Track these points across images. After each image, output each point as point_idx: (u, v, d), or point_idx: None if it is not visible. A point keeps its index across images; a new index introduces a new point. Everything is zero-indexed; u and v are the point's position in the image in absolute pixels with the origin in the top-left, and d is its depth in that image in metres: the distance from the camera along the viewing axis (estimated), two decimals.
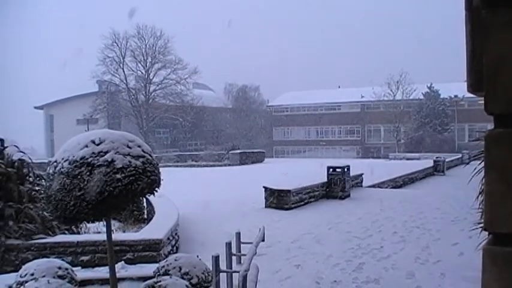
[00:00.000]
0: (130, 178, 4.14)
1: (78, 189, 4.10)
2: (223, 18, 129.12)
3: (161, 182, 4.54)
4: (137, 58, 62.36)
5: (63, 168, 4.24)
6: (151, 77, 62.40)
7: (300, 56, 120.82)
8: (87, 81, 62.23)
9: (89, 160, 4.16)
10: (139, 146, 4.44)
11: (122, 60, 61.60)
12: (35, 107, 74.52)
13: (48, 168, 4.49)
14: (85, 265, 7.97)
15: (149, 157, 4.44)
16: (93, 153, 4.21)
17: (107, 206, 4.16)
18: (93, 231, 10.57)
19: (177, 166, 37.39)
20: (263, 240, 5.82)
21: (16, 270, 7.20)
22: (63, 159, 4.29)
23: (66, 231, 9.35)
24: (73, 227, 9.40)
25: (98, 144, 4.27)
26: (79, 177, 4.12)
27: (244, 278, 4.04)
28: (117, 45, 61.29)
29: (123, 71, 61.58)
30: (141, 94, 62.11)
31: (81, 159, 4.19)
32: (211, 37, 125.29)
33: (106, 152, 4.20)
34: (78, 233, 9.82)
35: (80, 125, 61.47)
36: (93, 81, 63.08)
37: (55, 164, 4.36)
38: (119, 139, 4.36)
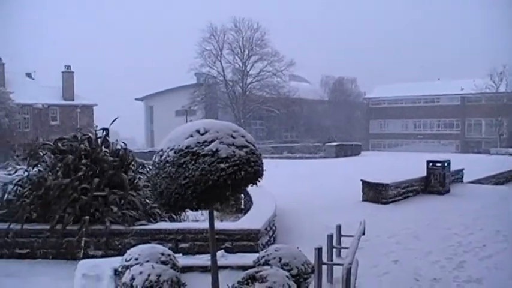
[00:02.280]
0: (234, 168, 4.18)
1: (183, 178, 4.18)
2: (319, 10, 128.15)
3: (264, 172, 4.57)
4: (234, 51, 63.16)
5: (168, 157, 4.34)
6: (248, 69, 63.03)
7: (398, 47, 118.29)
8: (186, 73, 63.75)
9: (194, 149, 4.24)
10: (243, 136, 4.48)
11: (219, 53, 62.64)
12: (136, 99, 77.17)
13: (154, 157, 4.62)
14: (185, 252, 8.15)
15: (253, 147, 4.47)
16: (198, 142, 4.28)
17: (210, 195, 4.22)
18: (191, 220, 10.80)
19: (272, 158, 37.54)
20: (363, 234, 5.72)
21: (119, 254, 7.48)
22: (168, 148, 4.39)
23: (167, 219, 9.59)
24: (173, 214, 9.62)
25: (202, 134, 4.34)
26: (184, 166, 4.21)
27: (348, 271, 3.99)
28: (215, 38, 62.39)
29: (221, 64, 62.62)
30: (238, 86, 62.89)
31: (186, 148, 4.27)
32: (308, 29, 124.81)
33: (211, 142, 4.27)
34: (178, 220, 10.04)
35: (178, 116, 63.09)
36: (192, 74, 64.49)
37: (161, 153, 4.47)
38: (223, 129, 4.42)
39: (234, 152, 4.24)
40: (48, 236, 8.99)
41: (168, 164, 4.30)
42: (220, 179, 4.12)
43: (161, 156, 4.43)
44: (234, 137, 4.37)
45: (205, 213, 10.59)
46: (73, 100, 58.60)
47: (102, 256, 8.28)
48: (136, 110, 77.92)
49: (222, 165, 4.14)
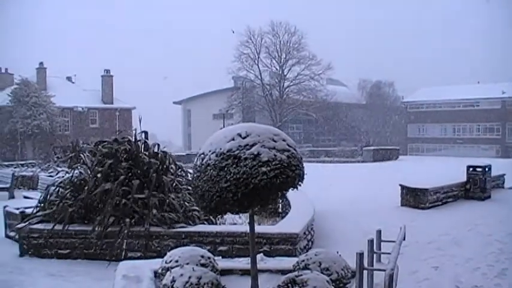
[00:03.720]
0: (276, 172, 4.18)
1: (224, 181, 4.20)
2: (356, 15, 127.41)
3: (304, 176, 4.56)
4: (272, 54, 63.27)
5: (210, 160, 4.36)
6: (285, 73, 63.06)
7: (436, 50, 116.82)
8: (224, 77, 64.11)
9: (236, 153, 4.26)
10: (284, 140, 4.48)
11: (256, 57, 62.81)
12: (174, 102, 77.85)
13: (195, 160, 4.65)
14: (223, 255, 8.17)
15: (294, 151, 4.47)
16: (239, 146, 4.30)
17: (251, 199, 4.23)
18: (229, 223, 10.84)
19: (309, 162, 37.39)
20: (403, 239, 5.66)
21: (158, 256, 7.54)
22: (210, 151, 4.42)
23: (205, 221, 9.64)
24: (213, 217, 9.67)
25: (244, 138, 4.36)
26: (225, 169, 4.23)
27: (391, 277, 3.95)
28: (252, 42, 62.62)
29: (258, 67, 62.76)
30: (275, 90, 62.95)
31: (227, 151, 4.29)
32: (345, 33, 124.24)
33: (252, 145, 4.28)
34: (216, 223, 10.08)
35: (215, 119, 63.45)
36: (229, 77, 64.83)
37: (202, 156, 4.50)
38: (265, 133, 4.42)
39: (275, 155, 4.25)
40: (88, 237, 9.14)
41: (209, 167, 4.33)
42: (261, 182, 4.13)
43: (203, 159, 4.46)
44: (275, 141, 4.38)
45: (243, 216, 10.64)
46: (112, 103, 59.41)
47: (141, 258, 8.35)
48: (174, 114, 78.67)
49: (264, 169, 4.15)
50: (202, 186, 4.37)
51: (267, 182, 4.16)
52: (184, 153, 44.95)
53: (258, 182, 4.13)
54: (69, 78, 63.69)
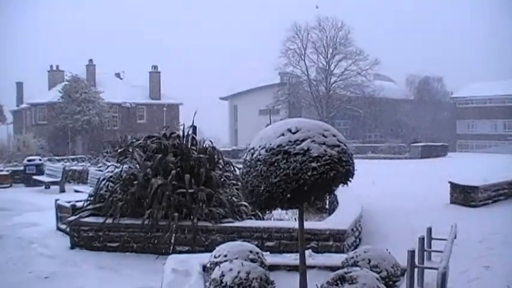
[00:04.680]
0: (326, 167, 4.14)
1: (274, 176, 4.19)
2: (402, 8, 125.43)
3: (355, 172, 4.51)
4: (318, 50, 62.81)
5: (260, 155, 4.35)
6: (332, 69, 62.51)
7: (487, 43, 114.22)
8: (270, 73, 64.08)
9: (286, 148, 4.23)
10: (334, 136, 4.44)
11: (303, 52, 62.46)
12: (220, 98, 78.21)
13: (245, 155, 4.64)
14: (270, 250, 8.17)
15: (344, 147, 4.42)
16: (289, 141, 4.27)
17: (301, 194, 4.21)
18: (276, 218, 10.83)
19: (356, 158, 36.52)
20: (455, 238, 5.55)
21: (206, 250, 7.60)
22: (260, 146, 4.41)
23: (252, 217, 9.66)
24: (262, 212, 9.68)
25: (294, 133, 4.33)
26: (275, 164, 4.21)
27: (443, 275, 3.87)
28: (299, 37, 62.28)
29: (305, 63, 62.42)
30: (321, 85, 62.54)
31: (277, 147, 4.27)
32: (392, 28, 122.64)
33: (302, 141, 4.25)
34: (263, 218, 10.09)
35: (262, 115, 63.48)
36: (276, 73, 64.72)
37: (252, 151, 4.49)
38: (315, 128, 4.39)
39: (325, 151, 4.21)
40: (137, 231, 9.27)
41: (259, 163, 4.32)
42: (311, 178, 4.10)
43: (252, 154, 4.45)
44: (325, 136, 4.34)
45: (290, 212, 10.63)
46: (159, 99, 60.12)
47: (188, 252, 8.43)
48: (220, 109, 79.05)
49: (314, 164, 4.12)
50: (252, 181, 4.36)
51: (317, 177, 4.12)
52: (230, 149, 45.15)
53: (308, 178, 4.10)
54: (117, 75, 64.73)
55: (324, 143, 4.28)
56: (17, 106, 62.48)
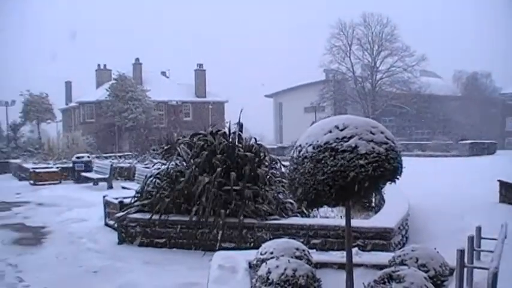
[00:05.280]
0: (374, 164, 4.10)
1: (321, 174, 4.16)
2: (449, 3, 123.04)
3: (403, 170, 4.45)
4: (363, 46, 62.39)
5: (307, 152, 4.33)
6: (377, 65, 62.00)
7: None
8: (315, 70, 63.87)
9: (333, 145, 4.21)
10: (382, 133, 4.39)
11: (348, 49, 62.15)
12: (266, 96, 78.35)
13: (292, 152, 4.63)
14: (316, 248, 8.14)
15: (392, 144, 4.36)
16: (336, 138, 4.24)
17: (348, 192, 4.18)
18: (321, 216, 10.78)
19: (402, 155, 36.03)
20: (505, 237, 5.42)
21: (251, 247, 7.63)
22: (307, 144, 4.39)
23: (298, 214, 9.64)
24: (309, 210, 9.66)
25: (341, 130, 4.30)
26: (322, 161, 4.18)
27: (495, 275, 3.80)
28: (344, 34, 62.04)
29: (350, 60, 62.09)
30: (367, 82, 62.09)
31: (324, 144, 4.25)
32: (439, 24, 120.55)
33: (350, 138, 4.21)
34: (309, 216, 10.06)
35: (307, 112, 63.32)
36: (321, 70, 64.47)
37: (299, 148, 4.48)
38: (362, 125, 4.35)
39: (373, 148, 4.17)
40: (184, 227, 9.37)
41: (306, 160, 4.30)
42: (359, 175, 4.06)
43: (299, 151, 4.44)
44: (373, 133, 4.29)
45: (336, 209, 10.56)
46: (205, 97, 60.53)
47: (234, 248, 8.46)
48: (265, 107, 79.17)
49: (361, 162, 4.08)
50: (299, 178, 4.35)
51: (365, 175, 4.08)
52: (275, 146, 45.20)
53: (355, 175, 4.07)
54: (163, 73, 65.50)
55: (372, 140, 4.24)
56: (66, 104, 63.84)
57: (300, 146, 4.50)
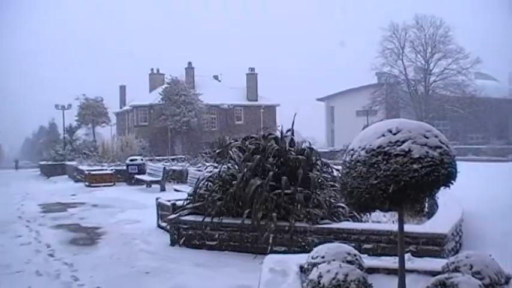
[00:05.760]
0: (427, 169, 4.05)
1: (374, 178, 4.13)
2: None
3: (457, 175, 4.38)
4: (416, 49, 61.48)
5: (359, 156, 4.31)
6: (431, 68, 60.97)
7: None
8: (367, 73, 63.42)
9: (386, 149, 4.17)
10: (436, 136, 4.33)
11: (401, 51, 61.34)
12: (317, 99, 78.14)
13: (344, 156, 4.61)
14: (367, 253, 8.07)
15: (446, 148, 4.30)
16: (389, 142, 4.21)
17: (401, 197, 4.13)
18: (372, 221, 10.67)
19: (456, 160, 35.18)
20: None
21: (302, 251, 7.60)
22: (360, 147, 4.37)
23: (350, 218, 9.57)
24: (361, 214, 9.57)
25: (394, 134, 4.26)
26: (375, 165, 4.16)
27: None
28: (396, 36, 61.28)
29: (402, 62, 61.26)
30: (420, 85, 61.14)
31: (377, 148, 4.22)
32: (495, 23, 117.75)
33: (403, 142, 4.17)
34: (360, 220, 9.96)
35: (359, 116, 62.83)
36: (373, 74, 63.92)
37: (352, 152, 4.46)
38: (416, 129, 4.30)
39: (427, 152, 4.11)
40: (235, 230, 9.42)
41: (359, 164, 4.27)
42: (412, 180, 4.02)
43: (352, 155, 4.42)
44: (427, 137, 4.24)
45: (388, 214, 10.44)
46: (257, 100, 60.78)
47: (285, 252, 8.47)
48: (317, 110, 78.95)
49: (415, 166, 4.03)
50: (352, 182, 4.33)
51: (418, 179, 4.04)
52: (327, 150, 45.00)
53: (408, 180, 4.02)
54: (215, 77, 66.11)
55: (426, 144, 4.19)
56: (120, 108, 65.10)
57: (352, 149, 4.48)
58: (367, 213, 9.47)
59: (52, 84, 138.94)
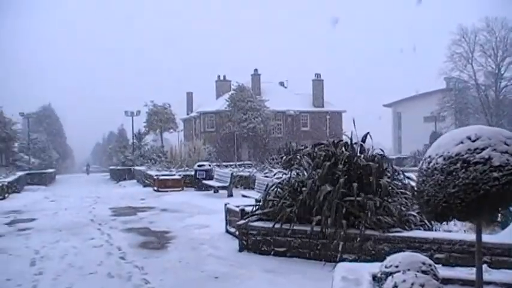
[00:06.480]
0: (509, 177, 3.92)
1: (452, 186, 4.03)
2: None
3: None
4: (486, 52, 59.63)
5: (437, 164, 4.22)
6: (502, 72, 59.09)
7: None
8: (435, 78, 62.17)
9: (465, 157, 4.06)
10: None
11: (470, 56, 59.63)
12: (384, 105, 77.20)
13: (421, 164, 4.53)
14: (439, 263, 7.88)
15: None
16: (468, 149, 4.10)
17: (480, 206, 4.02)
18: (444, 230, 10.43)
19: None
20: None
21: (372, 260, 7.51)
22: (437, 155, 4.27)
23: (421, 227, 9.37)
24: (427, 223, 9.37)
25: (473, 141, 4.14)
26: (453, 173, 4.05)
27: None
28: (465, 40, 59.57)
29: (472, 67, 59.53)
30: (490, 90, 59.28)
31: (456, 155, 4.11)
32: None
33: (482, 149, 4.05)
34: (432, 229, 9.75)
35: (426, 122, 61.73)
36: (441, 79, 62.60)
37: (428, 159, 4.37)
38: (496, 136, 4.17)
39: (508, 160, 3.98)
40: (304, 237, 9.38)
41: (436, 171, 4.18)
42: (492, 188, 3.89)
43: (429, 163, 4.32)
44: (507, 144, 4.10)
45: (458, 223, 10.18)
46: (323, 107, 60.57)
47: (354, 260, 8.38)
48: (384, 116, 78.06)
49: (495, 174, 3.91)
50: (428, 191, 4.23)
51: (499, 188, 3.91)
52: (394, 157, 44.34)
53: (488, 188, 3.90)
54: (281, 83, 66.31)
55: (506, 152, 4.05)
56: (187, 114, 66.13)
57: (429, 157, 4.38)
58: (444, 223, 9.26)
59: (122, 90, 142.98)
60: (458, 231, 10.21)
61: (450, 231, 10.23)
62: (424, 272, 5.18)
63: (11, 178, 28.15)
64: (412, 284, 4.58)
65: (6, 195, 24.35)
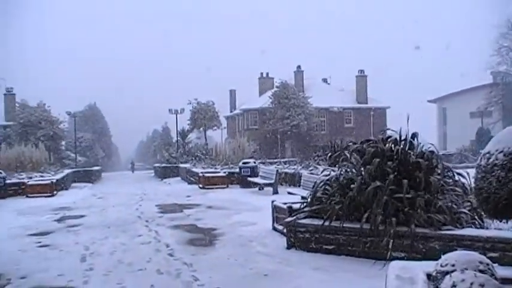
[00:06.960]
0: None
1: None
2: None
3: None
4: None
5: (497, 160, 4.12)
6: None
7: None
8: (482, 73, 60.79)
9: None
10: None
11: None
12: (428, 101, 76.00)
13: (479, 160, 4.42)
14: (492, 262, 7.69)
15: None
16: None
17: None
18: (494, 227, 10.18)
19: None
20: None
21: (423, 258, 7.38)
22: (497, 150, 4.17)
23: (472, 225, 9.17)
24: (479, 220, 9.17)
25: None
26: None
27: None
28: None
29: None
30: None
31: None
32: None
33: None
34: (483, 227, 9.53)
35: (473, 118, 60.49)
36: (487, 73, 61.22)
37: (488, 155, 4.26)
38: None
39: None
40: (353, 234, 9.29)
41: (496, 168, 4.08)
42: None
43: (488, 159, 4.22)
44: None
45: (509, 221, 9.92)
46: (366, 103, 60.06)
47: (404, 258, 8.24)
48: (428, 112, 76.83)
49: None
50: (488, 188, 4.13)
51: None
52: (440, 153, 43.57)
53: None
54: (324, 80, 65.97)
55: None
56: (230, 112, 66.42)
57: (488, 153, 4.28)
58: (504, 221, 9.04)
59: (164, 88, 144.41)
60: (508, 229, 9.98)
61: (500, 229, 10.00)
62: (481, 271, 5.05)
63: (59, 176, 28.76)
64: (472, 283, 4.47)
65: (54, 192, 24.87)
